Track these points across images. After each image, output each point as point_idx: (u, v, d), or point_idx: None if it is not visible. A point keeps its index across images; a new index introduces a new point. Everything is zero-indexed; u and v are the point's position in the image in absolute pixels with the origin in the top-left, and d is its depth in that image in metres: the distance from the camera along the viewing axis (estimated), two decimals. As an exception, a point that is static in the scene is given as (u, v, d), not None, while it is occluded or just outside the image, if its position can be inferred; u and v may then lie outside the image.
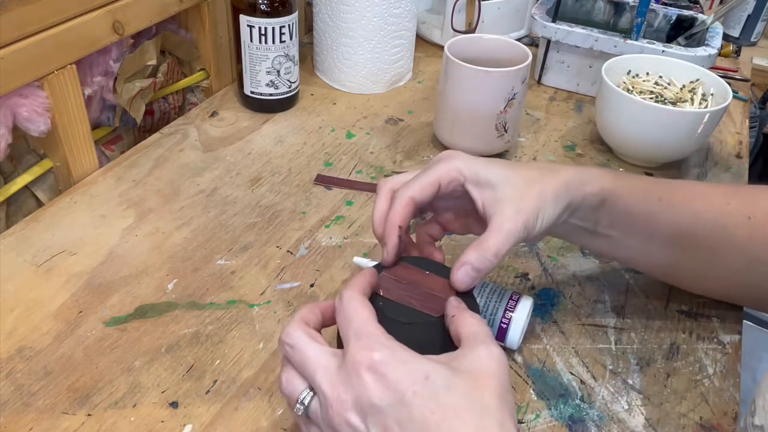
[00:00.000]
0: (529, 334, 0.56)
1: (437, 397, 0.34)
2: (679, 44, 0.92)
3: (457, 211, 0.51)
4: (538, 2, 0.95)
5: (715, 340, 0.57)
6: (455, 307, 0.41)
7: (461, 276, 0.43)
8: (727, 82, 0.76)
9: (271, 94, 0.82)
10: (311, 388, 0.38)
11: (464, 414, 0.34)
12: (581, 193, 0.48)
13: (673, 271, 0.56)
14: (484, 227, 0.45)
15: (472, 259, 0.43)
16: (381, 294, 0.43)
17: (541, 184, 0.46)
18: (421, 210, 0.49)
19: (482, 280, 0.55)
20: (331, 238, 0.65)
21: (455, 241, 0.65)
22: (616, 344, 0.56)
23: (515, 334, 0.52)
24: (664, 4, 1.01)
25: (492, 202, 0.45)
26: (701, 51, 0.84)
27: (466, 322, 0.39)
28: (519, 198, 0.45)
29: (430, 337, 0.42)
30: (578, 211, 0.49)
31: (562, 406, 0.50)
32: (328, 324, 0.43)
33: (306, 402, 0.38)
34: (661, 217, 0.51)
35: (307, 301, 0.58)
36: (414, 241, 0.52)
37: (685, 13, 0.95)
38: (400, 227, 0.45)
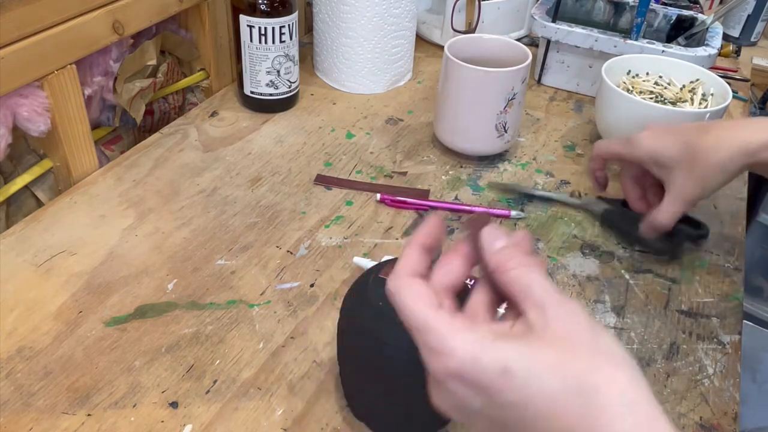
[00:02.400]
0: (529, 334, 0.55)
1: (525, 388, 0.30)
2: (679, 44, 0.92)
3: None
4: (538, 2, 0.95)
5: (715, 340, 0.57)
6: (495, 262, 0.34)
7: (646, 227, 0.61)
8: (727, 82, 0.76)
9: (271, 94, 0.82)
10: None
11: (560, 398, 0.30)
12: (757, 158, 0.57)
13: None
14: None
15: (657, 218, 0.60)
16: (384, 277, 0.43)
17: (702, 168, 0.58)
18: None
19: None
20: (331, 238, 0.65)
21: (456, 241, 0.65)
22: (616, 344, 0.55)
23: (515, 334, 0.52)
24: (664, 4, 1.01)
25: (667, 180, 0.60)
26: (701, 51, 0.84)
27: (509, 278, 0.33)
28: (685, 182, 0.59)
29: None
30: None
31: (562, 406, 0.50)
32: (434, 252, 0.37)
33: None
34: None
35: (308, 302, 0.58)
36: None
37: (685, 13, 0.95)
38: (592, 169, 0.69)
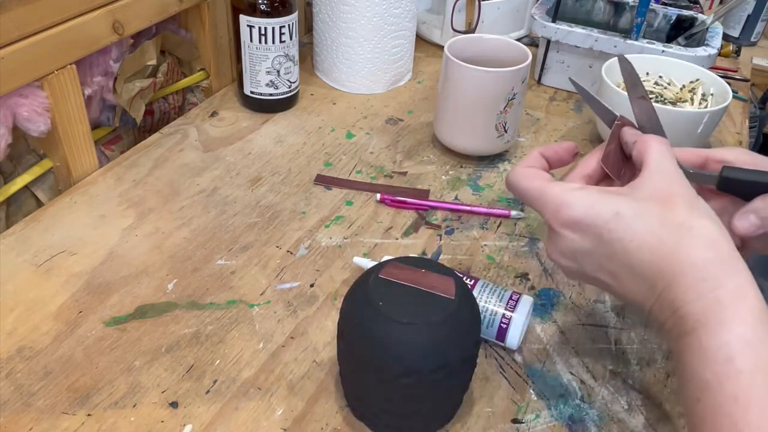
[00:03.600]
0: (529, 334, 0.56)
1: (631, 227, 0.38)
2: (679, 44, 0.92)
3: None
4: (538, 2, 0.95)
5: (715, 340, 0.57)
6: (633, 134, 0.45)
7: (742, 223, 0.43)
8: (727, 82, 0.76)
9: (271, 94, 0.82)
10: None
11: (660, 233, 0.38)
12: None
13: None
14: None
15: (758, 207, 0.43)
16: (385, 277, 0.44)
17: None
18: None
19: (483, 279, 0.55)
20: (331, 238, 0.65)
21: (455, 241, 0.65)
22: (616, 344, 0.56)
23: (515, 334, 0.52)
24: (664, 4, 1.01)
25: None
26: (701, 51, 0.84)
27: (646, 147, 0.42)
28: None
29: (430, 336, 0.42)
30: None
31: (562, 406, 0.50)
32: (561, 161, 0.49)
33: None
34: None
35: (308, 301, 0.58)
36: None
37: (685, 13, 0.95)
38: None
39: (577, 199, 0.41)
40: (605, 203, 0.39)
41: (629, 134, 0.45)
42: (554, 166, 0.48)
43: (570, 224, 0.40)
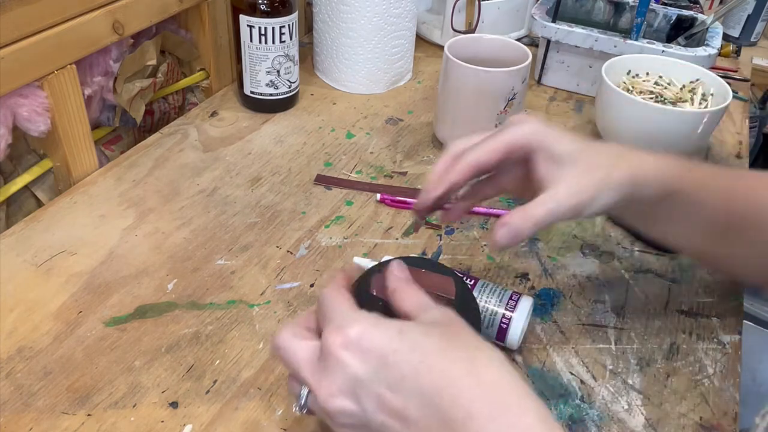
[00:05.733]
0: (529, 334, 0.56)
1: (418, 346, 0.34)
2: (679, 44, 0.92)
3: (517, 175, 0.51)
4: (538, 2, 0.95)
5: (715, 340, 0.57)
6: (396, 280, 0.41)
7: (500, 235, 0.44)
8: (727, 82, 0.76)
9: (271, 94, 0.82)
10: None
11: (451, 353, 0.34)
12: (646, 189, 0.47)
13: (729, 260, 0.54)
14: (536, 194, 0.46)
15: (514, 220, 0.44)
16: (374, 293, 0.43)
17: (606, 172, 0.46)
18: (483, 172, 0.49)
19: (483, 279, 0.55)
20: (331, 238, 0.65)
21: (455, 241, 0.65)
22: (616, 344, 0.56)
23: (515, 334, 0.52)
24: (664, 4, 1.01)
25: (553, 176, 0.46)
26: (701, 51, 0.84)
27: (406, 296, 0.40)
28: (578, 181, 0.45)
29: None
30: (638, 202, 0.48)
31: (562, 406, 0.50)
32: None
33: (302, 402, 0.37)
34: (724, 207, 0.50)
35: (308, 301, 0.58)
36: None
37: (685, 13, 0.95)
38: (454, 183, 0.47)
39: (361, 317, 0.36)
40: (389, 322, 0.36)
41: (392, 281, 0.41)
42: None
43: (350, 344, 0.34)
